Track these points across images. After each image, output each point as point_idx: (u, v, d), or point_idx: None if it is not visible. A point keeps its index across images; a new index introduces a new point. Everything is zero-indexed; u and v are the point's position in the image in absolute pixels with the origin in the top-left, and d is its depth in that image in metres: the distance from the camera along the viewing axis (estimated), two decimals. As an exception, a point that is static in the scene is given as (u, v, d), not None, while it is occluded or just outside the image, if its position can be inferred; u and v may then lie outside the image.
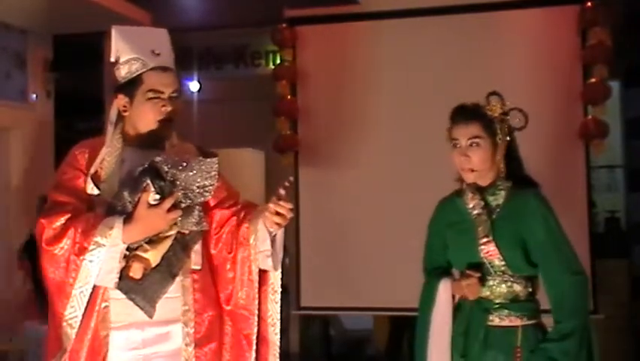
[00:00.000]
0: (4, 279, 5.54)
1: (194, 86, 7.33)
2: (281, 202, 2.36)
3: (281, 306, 2.58)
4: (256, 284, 2.50)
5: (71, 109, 6.90)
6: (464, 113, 2.77)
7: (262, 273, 2.53)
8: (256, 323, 2.51)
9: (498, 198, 2.79)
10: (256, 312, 2.50)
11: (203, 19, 6.71)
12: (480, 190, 2.81)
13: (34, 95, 6.07)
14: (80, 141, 2.55)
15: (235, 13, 6.47)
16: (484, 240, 2.75)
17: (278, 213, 2.37)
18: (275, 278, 2.54)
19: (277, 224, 2.39)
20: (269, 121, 6.07)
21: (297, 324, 7.12)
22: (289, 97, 6.01)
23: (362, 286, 5.81)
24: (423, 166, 5.73)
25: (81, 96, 7.20)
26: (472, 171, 2.74)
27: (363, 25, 6.06)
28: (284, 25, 6.03)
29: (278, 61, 6.43)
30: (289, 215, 2.38)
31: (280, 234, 2.47)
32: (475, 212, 2.79)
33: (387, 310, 6.09)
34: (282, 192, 2.37)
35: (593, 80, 5.37)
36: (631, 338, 6.65)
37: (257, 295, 2.50)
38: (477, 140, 2.72)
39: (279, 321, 2.57)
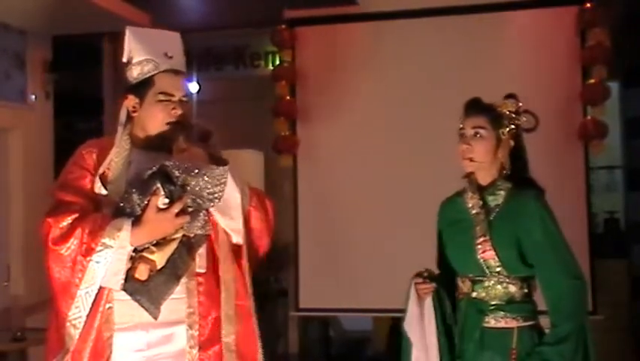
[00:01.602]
0: (4, 278, 5.53)
1: (193, 86, 7.32)
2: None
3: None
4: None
5: (71, 110, 6.89)
6: (474, 106, 2.83)
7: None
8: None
9: (497, 198, 2.80)
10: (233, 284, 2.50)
11: (202, 20, 6.70)
12: (480, 190, 2.83)
13: (34, 96, 6.06)
14: (87, 141, 2.54)
15: (235, 14, 6.46)
16: (481, 239, 2.76)
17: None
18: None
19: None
20: (268, 122, 6.08)
21: (296, 325, 7.12)
22: (288, 98, 6.02)
23: (361, 287, 5.82)
24: (422, 167, 5.74)
25: (80, 97, 7.20)
26: (472, 160, 2.77)
27: (362, 26, 6.07)
28: (283, 26, 6.05)
29: (277, 62, 6.45)
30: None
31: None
32: (474, 211, 2.81)
33: (386, 312, 6.09)
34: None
35: (592, 80, 5.39)
36: (631, 338, 6.65)
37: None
38: (481, 130, 2.76)
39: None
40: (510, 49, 5.67)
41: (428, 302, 2.87)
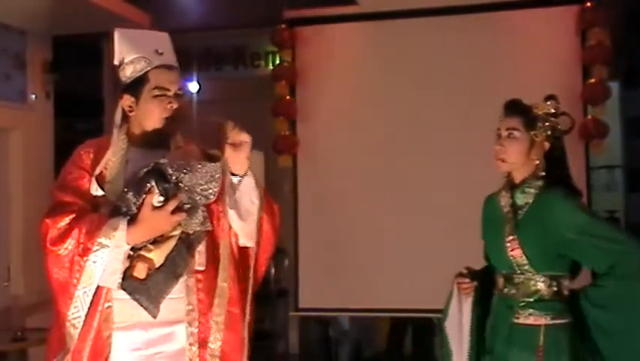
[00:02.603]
0: (4, 278, 5.53)
1: (193, 86, 7.33)
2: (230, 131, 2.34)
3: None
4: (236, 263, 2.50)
5: (71, 110, 6.90)
6: (511, 107, 2.88)
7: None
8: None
9: (527, 197, 2.84)
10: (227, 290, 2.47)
11: (202, 20, 6.71)
12: (512, 189, 2.88)
13: (34, 96, 6.06)
14: (85, 141, 2.55)
15: (234, 14, 6.47)
16: (510, 238, 2.81)
17: (233, 146, 2.34)
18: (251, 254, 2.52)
19: (238, 162, 2.36)
20: (268, 122, 6.08)
21: (296, 325, 7.12)
22: (288, 97, 6.02)
23: (361, 288, 5.82)
24: (422, 166, 5.75)
25: (81, 97, 7.21)
26: (504, 161, 2.83)
27: (362, 26, 6.07)
28: (283, 25, 6.05)
29: (277, 62, 6.44)
30: (244, 139, 2.35)
31: (247, 181, 2.42)
32: (505, 210, 2.87)
33: (387, 312, 6.10)
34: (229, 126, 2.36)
35: (593, 80, 5.39)
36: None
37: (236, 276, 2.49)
38: (514, 132, 2.81)
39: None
40: (510, 48, 5.67)
41: (468, 302, 2.93)
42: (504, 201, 2.88)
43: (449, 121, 5.70)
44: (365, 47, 5.98)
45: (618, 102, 7.61)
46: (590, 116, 5.41)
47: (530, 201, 2.82)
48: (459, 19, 5.74)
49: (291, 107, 6.03)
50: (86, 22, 5.71)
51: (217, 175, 2.32)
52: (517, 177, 2.87)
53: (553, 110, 2.84)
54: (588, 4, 5.41)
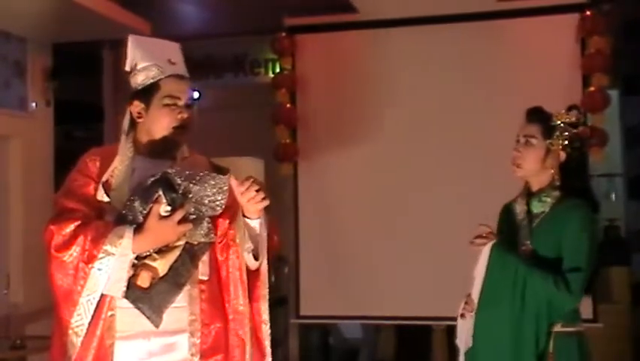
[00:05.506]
0: (3, 286, 5.52)
1: (193, 94, 7.33)
2: (245, 183, 2.33)
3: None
4: (246, 285, 2.52)
5: (71, 117, 6.89)
6: (531, 114, 2.91)
7: (255, 272, 2.55)
8: (248, 323, 2.54)
9: (544, 206, 2.86)
10: (247, 313, 2.53)
11: (202, 27, 6.71)
12: (529, 196, 2.91)
13: (34, 104, 6.05)
14: (91, 149, 2.56)
15: (235, 22, 6.47)
16: (523, 246, 2.85)
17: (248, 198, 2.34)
18: (263, 271, 2.57)
19: (254, 211, 2.37)
20: (269, 129, 6.07)
21: (296, 333, 7.10)
22: (288, 105, 6.02)
23: (362, 295, 5.81)
24: (422, 175, 5.74)
25: (81, 105, 7.21)
26: (519, 167, 2.87)
27: (362, 33, 6.08)
28: (283, 33, 6.05)
29: (277, 69, 6.45)
30: (258, 197, 2.34)
31: (258, 225, 2.44)
32: (520, 218, 2.90)
33: (387, 319, 6.09)
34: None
35: (592, 88, 5.39)
36: (632, 346, 6.64)
37: (247, 295, 2.53)
38: (531, 139, 2.85)
39: (269, 319, 2.66)
40: (510, 56, 5.68)
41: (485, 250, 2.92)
42: (520, 208, 2.91)
43: (450, 128, 5.71)
44: (365, 54, 5.99)
45: (618, 110, 7.61)
46: (589, 124, 5.41)
47: (547, 210, 2.85)
48: (459, 28, 5.75)
49: (292, 115, 6.03)
50: (87, 29, 5.70)
51: (225, 187, 2.31)
52: (534, 185, 2.89)
53: (573, 120, 2.86)
54: (588, 12, 5.41)
